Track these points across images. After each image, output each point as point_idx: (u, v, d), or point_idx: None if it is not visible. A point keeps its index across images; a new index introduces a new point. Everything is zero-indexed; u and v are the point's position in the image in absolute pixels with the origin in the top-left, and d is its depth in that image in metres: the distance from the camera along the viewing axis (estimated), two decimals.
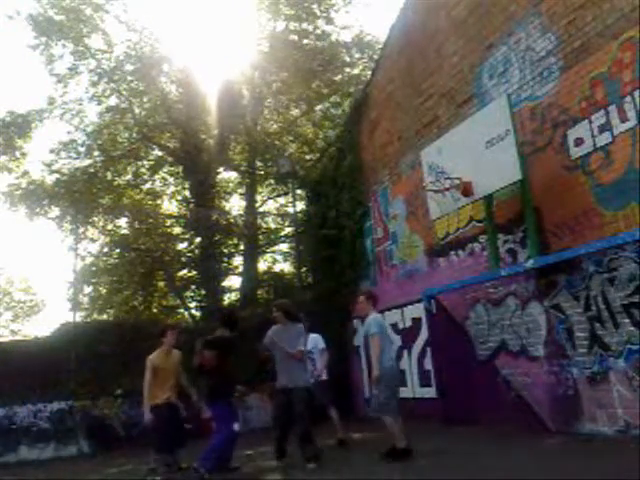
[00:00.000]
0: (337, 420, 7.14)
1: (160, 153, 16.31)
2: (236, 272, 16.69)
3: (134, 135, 16.15)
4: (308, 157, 16.53)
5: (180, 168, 15.92)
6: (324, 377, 7.34)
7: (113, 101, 15.63)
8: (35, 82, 41.03)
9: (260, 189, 17.33)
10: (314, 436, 6.04)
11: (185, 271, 16.43)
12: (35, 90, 36.28)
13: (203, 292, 15.52)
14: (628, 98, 5.81)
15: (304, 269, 13.83)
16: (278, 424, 6.26)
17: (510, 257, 7.38)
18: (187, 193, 16.45)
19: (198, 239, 15.58)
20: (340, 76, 15.88)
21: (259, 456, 7.00)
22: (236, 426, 5.78)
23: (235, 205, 18.52)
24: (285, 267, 18.55)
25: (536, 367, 6.87)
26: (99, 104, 15.59)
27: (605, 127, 6.07)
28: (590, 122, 6.24)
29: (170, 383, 6.37)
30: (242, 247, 16.21)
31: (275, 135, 16.44)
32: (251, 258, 15.68)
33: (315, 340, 7.42)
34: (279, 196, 17.72)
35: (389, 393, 5.77)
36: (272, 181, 16.68)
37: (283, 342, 6.15)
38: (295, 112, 16.89)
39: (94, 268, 16.26)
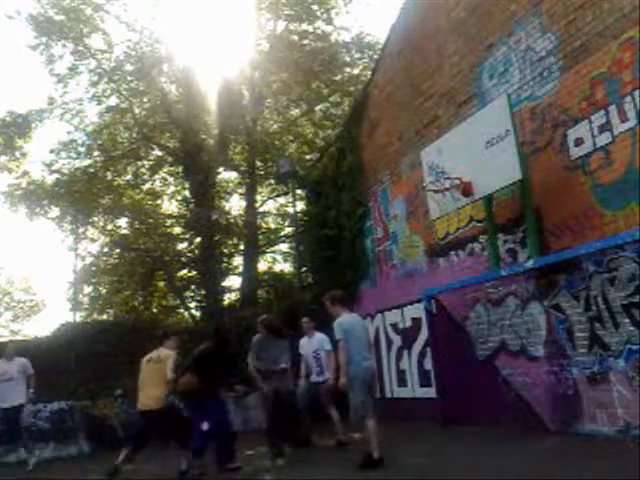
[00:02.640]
0: (338, 421, 7.13)
1: (160, 153, 16.31)
2: (236, 272, 16.70)
3: (134, 135, 16.14)
4: (308, 157, 16.53)
5: (180, 168, 15.92)
6: (328, 378, 7.25)
7: (113, 101, 15.66)
8: (35, 82, 41.08)
9: (260, 189, 17.33)
10: (300, 426, 6.74)
11: (185, 271, 16.44)
12: (35, 90, 36.34)
13: (203, 292, 15.52)
14: (628, 98, 5.81)
15: (304, 269, 13.82)
16: (280, 424, 6.58)
17: (510, 257, 7.38)
18: (187, 193, 16.45)
19: (198, 239, 15.58)
20: (340, 76, 15.88)
21: (259, 456, 6.99)
22: (205, 425, 5.86)
23: (235, 205, 18.55)
24: (285, 267, 18.58)
25: (536, 367, 6.87)
26: (99, 104, 15.61)
27: (605, 127, 6.06)
28: (590, 122, 6.24)
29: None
30: (242, 247, 16.22)
31: (275, 135, 16.45)
32: (251, 258, 15.67)
33: (321, 341, 7.40)
34: (279, 196, 17.72)
35: (362, 396, 5.60)
36: (272, 181, 16.67)
37: (267, 356, 6.66)
38: (295, 112, 16.90)
39: (94, 268, 16.26)
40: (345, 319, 5.90)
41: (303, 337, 7.80)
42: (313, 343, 7.46)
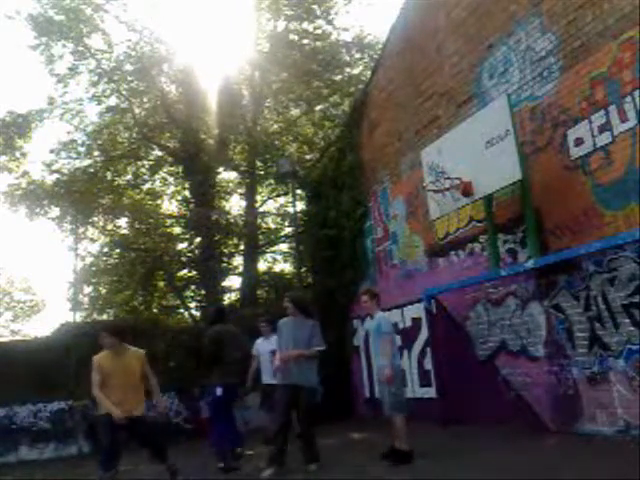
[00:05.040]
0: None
1: (160, 153, 16.31)
2: (236, 272, 16.70)
3: (134, 135, 16.15)
4: (308, 157, 16.53)
5: (180, 168, 15.93)
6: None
7: (113, 101, 15.67)
8: (35, 82, 41.06)
9: (260, 189, 17.33)
10: (315, 437, 5.95)
11: (185, 271, 16.45)
12: (35, 90, 36.34)
13: (203, 292, 15.53)
14: (628, 98, 5.81)
15: (304, 269, 13.82)
16: (283, 426, 5.77)
17: (510, 257, 7.38)
18: (187, 193, 16.46)
19: (198, 239, 15.58)
20: (340, 76, 15.87)
21: (259, 456, 6.99)
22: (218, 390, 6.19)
23: (235, 205, 18.54)
24: (285, 267, 18.57)
25: (536, 367, 6.87)
26: (99, 104, 15.62)
27: (605, 127, 6.07)
28: (590, 122, 6.24)
29: (122, 390, 5.36)
30: (242, 247, 16.22)
31: (275, 135, 16.44)
32: (251, 258, 15.68)
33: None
34: (279, 196, 17.72)
35: (403, 391, 5.87)
36: (272, 181, 16.68)
37: (293, 338, 5.84)
38: (295, 112, 16.89)
39: (94, 268, 16.28)
40: (387, 316, 6.13)
41: (259, 338, 8.06)
42: (272, 343, 7.24)
